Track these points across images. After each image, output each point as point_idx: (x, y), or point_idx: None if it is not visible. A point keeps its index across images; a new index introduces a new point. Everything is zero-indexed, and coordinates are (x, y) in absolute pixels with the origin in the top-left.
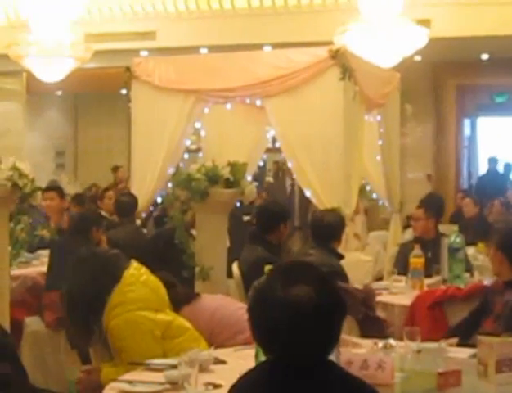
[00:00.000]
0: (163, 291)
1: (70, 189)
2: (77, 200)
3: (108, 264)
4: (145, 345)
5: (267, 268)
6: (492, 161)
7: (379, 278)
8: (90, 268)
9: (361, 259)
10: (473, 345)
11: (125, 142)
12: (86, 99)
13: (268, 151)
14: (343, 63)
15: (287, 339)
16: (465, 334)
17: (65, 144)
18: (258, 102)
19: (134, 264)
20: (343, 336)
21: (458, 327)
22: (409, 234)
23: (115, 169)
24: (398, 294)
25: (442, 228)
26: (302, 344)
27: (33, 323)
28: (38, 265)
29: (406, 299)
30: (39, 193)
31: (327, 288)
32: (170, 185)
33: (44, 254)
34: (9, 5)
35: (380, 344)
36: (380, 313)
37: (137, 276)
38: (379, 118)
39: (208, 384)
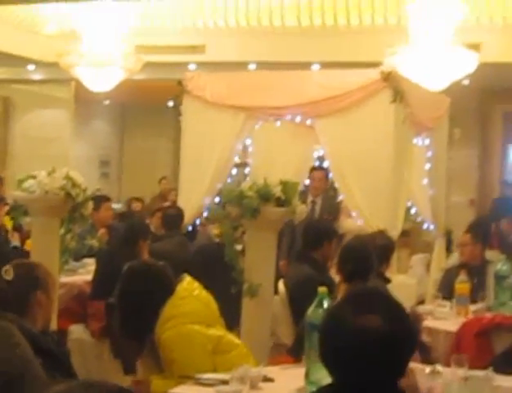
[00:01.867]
0: (214, 306)
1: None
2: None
3: (162, 277)
4: (197, 358)
5: (321, 289)
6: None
7: (421, 302)
8: (144, 279)
9: (404, 283)
10: None
11: (170, 154)
12: (133, 110)
13: None
14: (394, 85)
15: (354, 366)
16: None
17: (111, 154)
18: (308, 122)
19: (187, 277)
20: None
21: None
22: (453, 259)
23: (161, 180)
24: (443, 319)
25: (488, 254)
26: (367, 371)
27: (77, 331)
28: (84, 274)
29: (451, 325)
30: (90, 203)
31: (397, 318)
32: (217, 200)
33: (90, 262)
34: (61, 15)
35: (427, 369)
36: (424, 338)
37: (190, 290)
38: (427, 141)
39: None
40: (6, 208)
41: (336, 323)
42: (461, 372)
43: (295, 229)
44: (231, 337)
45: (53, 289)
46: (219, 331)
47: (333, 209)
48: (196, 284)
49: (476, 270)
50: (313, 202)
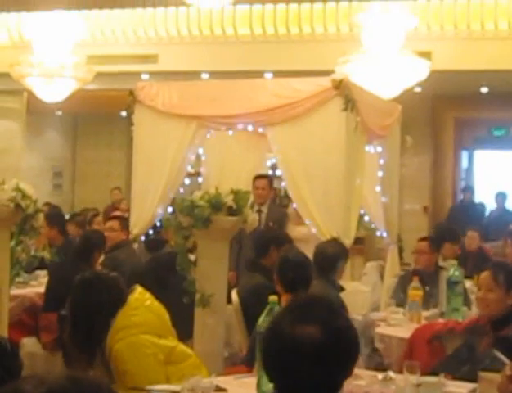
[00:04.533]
0: (166, 316)
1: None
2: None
3: (113, 288)
4: (149, 368)
5: (272, 297)
6: (500, 196)
7: (375, 309)
8: (95, 290)
9: (358, 290)
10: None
11: (123, 164)
12: (85, 120)
13: None
14: (346, 94)
15: (292, 375)
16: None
17: (63, 165)
18: (260, 130)
19: (139, 288)
20: None
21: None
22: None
23: (113, 190)
24: (396, 326)
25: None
26: (306, 381)
27: (29, 344)
28: (36, 286)
29: (403, 331)
30: (41, 215)
31: (334, 328)
32: (170, 210)
33: (42, 274)
34: (12, 25)
35: (380, 376)
36: (378, 345)
37: (142, 300)
38: (379, 149)
39: None
40: None
41: (275, 333)
42: (413, 378)
43: (243, 239)
44: (184, 348)
45: None
46: (171, 341)
47: (278, 217)
48: (148, 295)
49: (429, 277)
50: (259, 211)
